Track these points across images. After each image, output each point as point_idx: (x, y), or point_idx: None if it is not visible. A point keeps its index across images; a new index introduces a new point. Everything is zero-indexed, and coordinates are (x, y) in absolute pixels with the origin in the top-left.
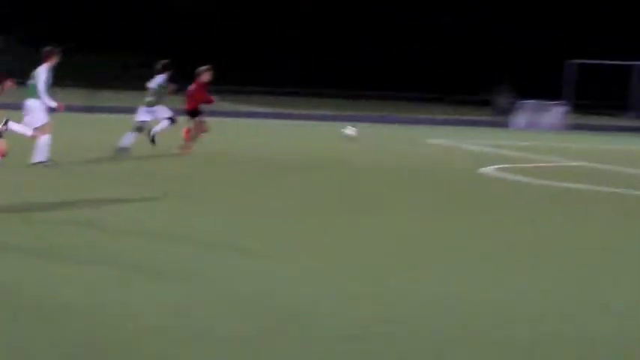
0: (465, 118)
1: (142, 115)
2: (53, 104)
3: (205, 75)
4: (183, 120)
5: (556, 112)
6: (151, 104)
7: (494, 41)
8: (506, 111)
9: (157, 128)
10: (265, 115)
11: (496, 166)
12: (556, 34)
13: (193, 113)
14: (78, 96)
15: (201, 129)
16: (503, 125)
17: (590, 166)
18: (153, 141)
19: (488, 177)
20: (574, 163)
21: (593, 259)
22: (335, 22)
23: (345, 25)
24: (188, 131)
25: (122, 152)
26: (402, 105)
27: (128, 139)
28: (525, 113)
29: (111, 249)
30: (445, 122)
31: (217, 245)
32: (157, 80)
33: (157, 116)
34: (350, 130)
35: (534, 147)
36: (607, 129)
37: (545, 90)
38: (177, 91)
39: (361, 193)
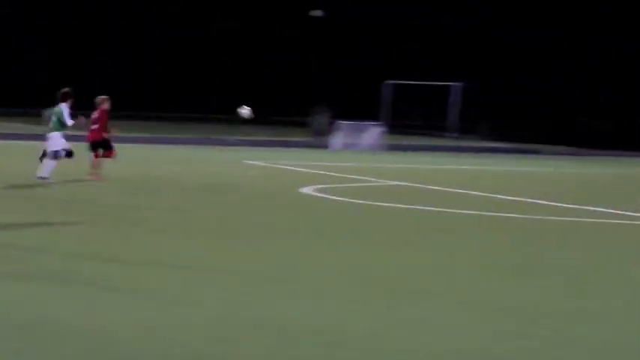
0: (284, 139)
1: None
2: None
3: (105, 103)
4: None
5: (373, 133)
6: (52, 130)
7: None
8: (325, 132)
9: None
10: None
11: (314, 187)
12: (375, 55)
13: (97, 144)
14: None
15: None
16: (322, 146)
17: (405, 186)
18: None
19: (306, 197)
20: (390, 183)
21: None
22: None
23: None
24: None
25: (41, 180)
26: (219, 127)
27: (49, 166)
28: (343, 134)
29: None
30: (264, 144)
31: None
32: (59, 108)
33: (50, 144)
34: (244, 110)
35: (352, 167)
36: (424, 149)
37: (362, 111)
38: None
39: (167, 213)
